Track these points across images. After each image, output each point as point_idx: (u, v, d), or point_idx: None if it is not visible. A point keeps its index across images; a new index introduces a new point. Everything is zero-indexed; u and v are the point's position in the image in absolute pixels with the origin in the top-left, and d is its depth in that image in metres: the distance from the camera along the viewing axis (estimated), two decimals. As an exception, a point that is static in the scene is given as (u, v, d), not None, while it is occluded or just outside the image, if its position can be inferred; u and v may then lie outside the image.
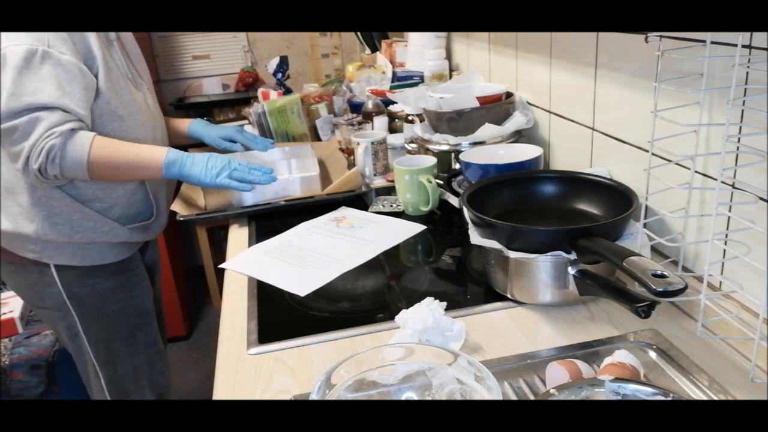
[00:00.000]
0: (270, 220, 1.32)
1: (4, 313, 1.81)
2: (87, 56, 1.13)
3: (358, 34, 2.36)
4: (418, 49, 1.91)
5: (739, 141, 0.72)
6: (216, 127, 1.52)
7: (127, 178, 1.21)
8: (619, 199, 0.90)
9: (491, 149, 1.20)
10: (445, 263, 1.09)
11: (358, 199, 1.38)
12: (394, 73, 1.94)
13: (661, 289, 0.64)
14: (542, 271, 0.85)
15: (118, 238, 1.26)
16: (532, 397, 0.72)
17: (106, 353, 1.32)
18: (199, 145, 1.54)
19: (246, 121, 1.87)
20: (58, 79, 1.07)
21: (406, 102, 1.40)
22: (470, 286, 1.00)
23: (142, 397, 1.39)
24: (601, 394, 0.64)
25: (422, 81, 1.84)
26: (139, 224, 1.29)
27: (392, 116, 1.63)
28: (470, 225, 0.94)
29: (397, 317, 0.82)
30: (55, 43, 1.07)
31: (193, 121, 1.50)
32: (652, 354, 0.76)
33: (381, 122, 1.60)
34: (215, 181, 1.19)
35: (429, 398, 0.64)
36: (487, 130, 1.24)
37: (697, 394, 0.69)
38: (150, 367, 1.39)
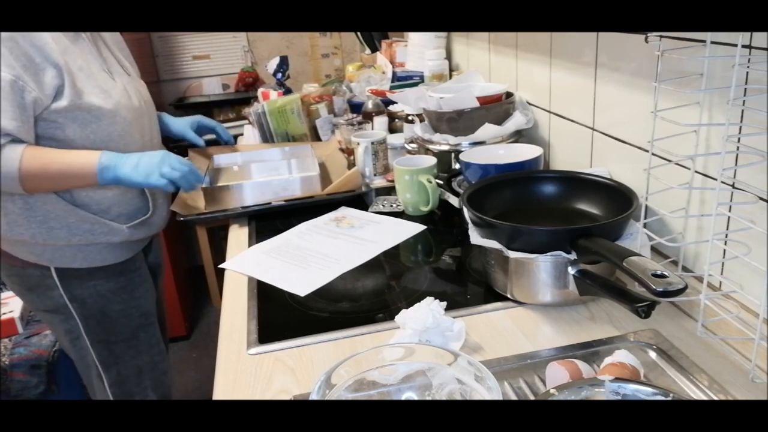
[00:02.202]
0: (270, 220, 1.32)
1: (4, 313, 1.81)
2: (39, 69, 1.07)
3: (358, 34, 2.36)
4: (418, 49, 1.91)
5: (739, 141, 0.72)
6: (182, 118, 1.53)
7: (64, 188, 1.18)
8: (619, 199, 0.90)
9: (491, 149, 1.20)
10: (445, 263, 1.09)
11: (358, 199, 1.38)
12: (394, 73, 1.95)
13: (661, 289, 0.64)
14: (542, 271, 0.85)
15: (118, 237, 1.26)
16: (532, 397, 0.72)
17: (108, 355, 1.32)
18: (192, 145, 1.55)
19: (246, 121, 1.87)
20: None
21: (406, 102, 1.40)
22: (470, 286, 1.00)
23: (145, 398, 1.39)
24: (601, 394, 0.64)
25: (422, 81, 1.84)
26: (138, 221, 1.29)
27: (392, 116, 1.63)
28: (470, 225, 0.94)
29: (397, 317, 0.82)
30: None
31: (162, 115, 1.49)
32: (652, 354, 0.76)
33: (381, 122, 1.60)
34: (148, 181, 1.17)
35: (429, 398, 0.64)
36: (487, 130, 1.24)
37: (697, 394, 0.69)
38: (153, 368, 1.39)
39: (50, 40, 1.09)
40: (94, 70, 1.18)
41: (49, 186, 1.15)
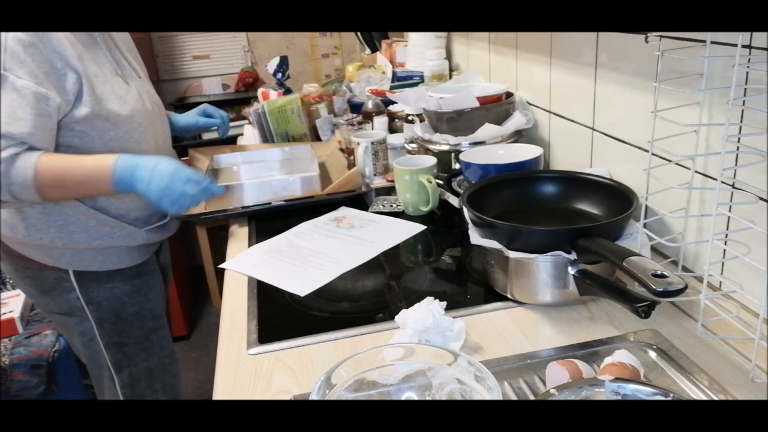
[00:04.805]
0: (270, 220, 1.32)
1: (4, 313, 1.81)
2: (61, 74, 1.06)
3: (358, 34, 2.36)
4: (418, 49, 1.91)
5: (739, 141, 0.72)
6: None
7: (81, 197, 1.16)
8: (619, 199, 0.90)
9: (491, 149, 1.20)
10: (445, 263, 1.09)
11: (358, 199, 1.38)
12: (394, 73, 1.95)
13: (661, 289, 0.64)
14: (542, 271, 0.85)
15: (136, 241, 1.25)
16: (532, 397, 0.72)
17: (122, 357, 1.32)
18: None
19: (246, 121, 1.87)
20: (11, 105, 1.02)
21: (406, 102, 1.40)
22: (470, 286, 1.00)
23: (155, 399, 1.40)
24: (601, 394, 0.64)
25: (422, 81, 1.84)
26: (156, 225, 1.29)
27: (392, 116, 1.63)
28: (470, 225, 0.94)
29: (397, 317, 0.82)
30: (12, 65, 1.02)
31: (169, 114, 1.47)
32: (652, 354, 0.76)
33: (381, 122, 1.60)
34: (159, 204, 1.10)
35: (429, 398, 0.64)
36: (487, 130, 1.24)
37: (697, 394, 0.69)
38: (163, 370, 1.39)
39: (68, 46, 1.08)
40: (108, 75, 1.17)
41: (66, 195, 1.14)
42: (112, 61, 1.21)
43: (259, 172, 1.55)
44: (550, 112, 1.27)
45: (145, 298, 1.32)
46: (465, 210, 0.94)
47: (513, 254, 0.84)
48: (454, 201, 1.13)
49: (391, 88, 1.82)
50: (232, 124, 2.76)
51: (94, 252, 1.22)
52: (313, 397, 0.59)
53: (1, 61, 1.02)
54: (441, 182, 1.19)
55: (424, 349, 0.67)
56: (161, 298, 1.39)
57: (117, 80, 1.19)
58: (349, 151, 1.55)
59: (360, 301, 0.97)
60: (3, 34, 1.01)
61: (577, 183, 1.01)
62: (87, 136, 1.13)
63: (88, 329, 1.28)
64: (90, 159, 1.11)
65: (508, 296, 0.91)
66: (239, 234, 1.29)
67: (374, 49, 2.26)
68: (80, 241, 1.20)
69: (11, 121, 1.03)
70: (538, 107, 1.32)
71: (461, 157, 1.16)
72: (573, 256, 0.82)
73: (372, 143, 1.42)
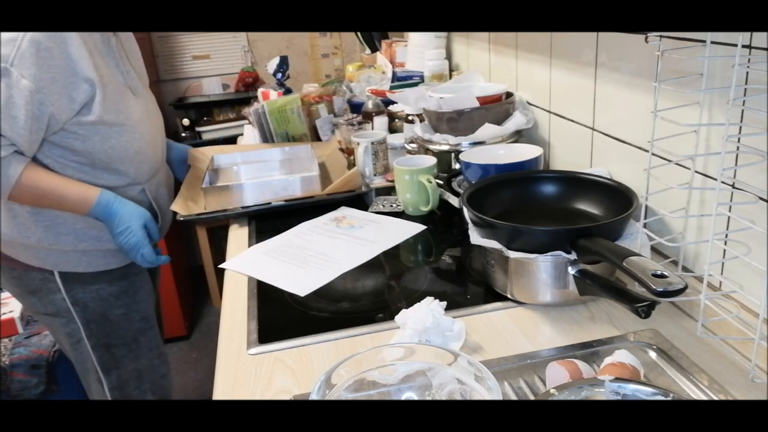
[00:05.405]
0: (270, 220, 1.32)
1: (4, 313, 1.81)
2: (69, 82, 1.07)
3: (358, 34, 2.36)
4: (418, 49, 1.91)
5: (739, 141, 0.72)
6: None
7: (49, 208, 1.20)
8: (619, 199, 0.90)
9: (491, 149, 1.20)
10: (445, 263, 1.09)
11: (358, 199, 1.38)
12: (394, 73, 1.94)
13: (661, 289, 0.64)
14: (542, 271, 0.85)
15: None
16: (532, 397, 0.72)
17: (109, 359, 1.32)
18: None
19: (246, 121, 1.87)
20: (7, 102, 1.03)
21: (406, 102, 1.40)
22: (470, 286, 1.00)
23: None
24: (601, 394, 0.64)
25: (422, 81, 1.84)
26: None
27: (392, 116, 1.63)
28: (470, 225, 0.94)
29: (397, 317, 0.82)
30: (20, 63, 1.02)
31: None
32: (652, 354, 0.76)
33: (381, 122, 1.60)
34: (123, 250, 1.21)
35: (429, 398, 0.64)
36: (487, 130, 1.24)
37: (697, 394, 0.69)
38: (152, 371, 1.39)
39: (86, 54, 1.09)
40: (120, 86, 1.19)
41: (34, 205, 1.17)
42: (124, 72, 1.23)
43: (259, 172, 1.55)
44: (550, 112, 1.27)
45: (133, 300, 1.32)
46: (465, 210, 0.94)
47: (513, 254, 0.84)
48: (454, 201, 1.13)
49: (391, 88, 1.82)
50: (232, 124, 2.78)
51: (80, 254, 1.22)
52: (313, 397, 0.60)
53: (11, 57, 1.02)
54: (441, 182, 1.19)
55: (424, 349, 0.67)
56: (150, 299, 1.38)
57: (126, 92, 1.21)
58: (349, 151, 1.55)
59: (360, 301, 0.97)
60: (22, 33, 1.02)
61: (577, 183, 1.01)
62: (89, 140, 1.14)
63: (75, 330, 1.28)
64: (70, 193, 1.15)
65: (508, 296, 0.91)
66: (239, 234, 1.29)
67: (374, 49, 2.26)
68: (67, 243, 1.20)
69: (6, 118, 1.04)
70: (538, 107, 1.32)
71: (461, 157, 1.16)
72: (573, 256, 0.82)
73: (372, 143, 1.42)
